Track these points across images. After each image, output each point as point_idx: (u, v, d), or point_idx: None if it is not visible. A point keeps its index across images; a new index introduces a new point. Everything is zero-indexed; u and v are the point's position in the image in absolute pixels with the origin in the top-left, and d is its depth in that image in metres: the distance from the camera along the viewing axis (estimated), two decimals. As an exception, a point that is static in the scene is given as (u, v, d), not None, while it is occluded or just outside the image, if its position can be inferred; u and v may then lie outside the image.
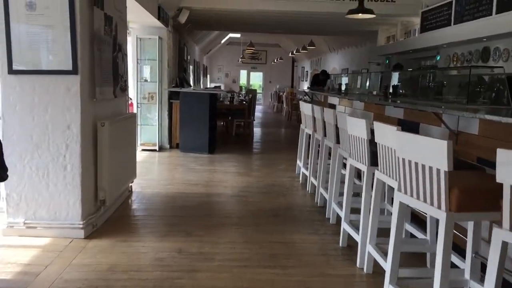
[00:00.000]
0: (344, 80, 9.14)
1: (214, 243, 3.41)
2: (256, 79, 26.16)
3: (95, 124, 3.64)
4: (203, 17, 9.57)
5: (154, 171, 6.31)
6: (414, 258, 3.13)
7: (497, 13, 6.03)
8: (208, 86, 20.09)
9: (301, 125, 5.81)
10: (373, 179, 2.96)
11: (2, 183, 3.37)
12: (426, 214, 2.98)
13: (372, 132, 2.91)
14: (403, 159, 2.34)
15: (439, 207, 2.12)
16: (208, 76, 22.21)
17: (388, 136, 2.60)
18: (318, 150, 4.81)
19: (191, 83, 11.98)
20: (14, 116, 3.34)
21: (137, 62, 7.61)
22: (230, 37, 20.42)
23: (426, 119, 3.76)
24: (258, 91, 22.85)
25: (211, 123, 7.61)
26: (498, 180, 1.82)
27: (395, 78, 6.57)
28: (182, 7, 8.23)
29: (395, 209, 2.49)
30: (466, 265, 2.53)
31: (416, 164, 2.24)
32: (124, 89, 4.54)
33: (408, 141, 2.32)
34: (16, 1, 3.21)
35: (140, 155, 7.08)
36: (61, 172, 3.40)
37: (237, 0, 8.36)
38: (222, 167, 6.60)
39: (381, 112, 4.81)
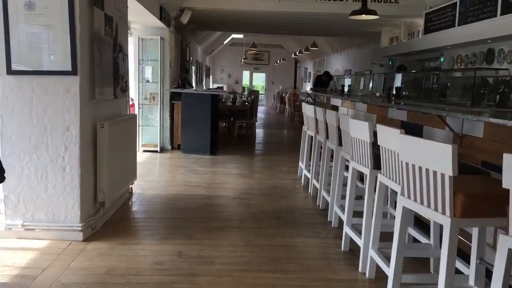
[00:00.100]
0: (347, 81, 9.08)
1: (214, 246, 3.37)
2: (259, 80, 26.13)
3: (94, 125, 3.61)
4: (206, 17, 9.54)
5: (155, 172, 6.28)
6: (417, 263, 3.08)
7: (501, 14, 5.98)
8: (211, 86, 20.12)
9: (303, 126, 5.77)
10: (375, 182, 2.91)
11: (0, 185, 3.33)
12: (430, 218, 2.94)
13: (375, 134, 2.87)
14: (407, 163, 2.29)
15: (443, 212, 2.08)
16: (210, 76, 22.21)
17: (391, 139, 2.55)
18: (321, 152, 4.77)
19: (193, 84, 11.96)
20: (13, 117, 3.31)
21: (139, 63, 7.59)
22: (232, 38, 20.43)
23: (430, 122, 3.71)
24: (260, 92, 22.84)
25: (213, 124, 7.57)
26: (504, 185, 1.78)
27: (398, 80, 6.52)
28: (184, 7, 8.19)
29: (398, 214, 2.44)
30: (470, 271, 2.49)
31: (420, 168, 2.19)
32: (125, 90, 4.50)
33: (411, 144, 2.28)
34: (15, 1, 3.17)
35: (142, 156, 7.06)
36: (60, 173, 3.36)
37: (239, 1, 8.32)
38: (224, 168, 6.56)
39: (384, 114, 4.76)
